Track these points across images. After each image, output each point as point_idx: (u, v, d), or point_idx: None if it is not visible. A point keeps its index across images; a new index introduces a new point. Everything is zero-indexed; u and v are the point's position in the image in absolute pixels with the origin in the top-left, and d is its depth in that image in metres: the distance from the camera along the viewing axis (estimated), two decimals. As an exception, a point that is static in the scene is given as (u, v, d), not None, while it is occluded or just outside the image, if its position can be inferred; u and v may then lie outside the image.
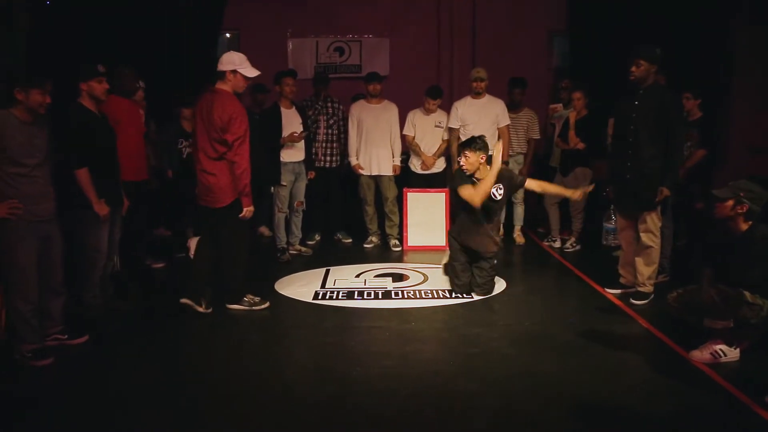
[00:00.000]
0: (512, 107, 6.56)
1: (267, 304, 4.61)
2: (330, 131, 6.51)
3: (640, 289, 4.73)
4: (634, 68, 4.56)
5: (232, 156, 4.20)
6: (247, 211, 4.36)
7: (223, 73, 4.25)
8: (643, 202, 4.61)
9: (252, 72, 4.30)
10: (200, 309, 4.43)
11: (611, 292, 4.95)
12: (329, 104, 6.53)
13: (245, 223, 4.48)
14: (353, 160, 6.46)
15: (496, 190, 4.84)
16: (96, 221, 4.16)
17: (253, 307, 4.56)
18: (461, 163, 4.87)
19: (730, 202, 3.60)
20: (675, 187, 4.64)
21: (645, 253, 4.68)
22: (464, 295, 4.88)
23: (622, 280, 4.96)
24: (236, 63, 4.24)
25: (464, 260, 4.97)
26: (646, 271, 4.70)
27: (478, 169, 4.81)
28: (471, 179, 4.83)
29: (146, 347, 3.93)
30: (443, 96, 6.51)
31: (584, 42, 7.69)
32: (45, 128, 3.67)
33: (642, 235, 4.67)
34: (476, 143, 4.83)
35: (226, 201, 4.29)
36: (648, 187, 4.57)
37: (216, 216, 4.37)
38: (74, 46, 6.31)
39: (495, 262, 5.02)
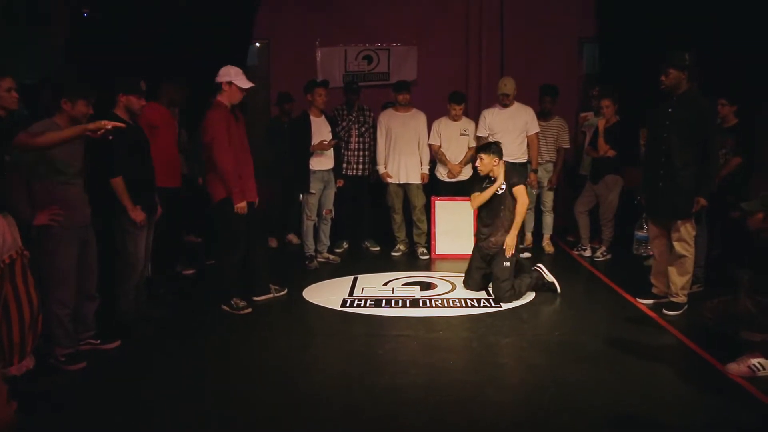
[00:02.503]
0: (542, 116, 6.51)
1: (249, 310, 4.71)
2: (362, 139, 6.54)
3: (673, 299, 4.64)
4: (663, 77, 4.50)
5: (213, 158, 4.49)
6: (238, 207, 4.56)
7: (220, 84, 4.58)
8: (676, 211, 4.53)
9: (246, 84, 4.59)
10: (280, 294, 5.07)
11: (643, 302, 4.87)
12: (362, 113, 6.57)
13: (236, 225, 4.65)
14: (381, 169, 6.48)
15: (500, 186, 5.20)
16: (134, 227, 4.22)
17: (234, 311, 4.67)
18: (477, 166, 5.26)
19: (760, 215, 3.51)
20: (711, 196, 4.54)
21: (678, 262, 4.59)
22: (470, 290, 5.27)
23: (654, 290, 4.87)
24: (232, 75, 4.56)
25: (477, 263, 5.26)
26: (679, 281, 4.61)
27: (492, 170, 5.15)
28: (488, 181, 5.24)
29: (176, 353, 3.98)
30: (467, 101, 6.48)
31: (614, 49, 7.60)
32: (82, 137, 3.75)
33: (675, 244, 4.58)
34: (491, 148, 5.20)
35: (216, 198, 4.63)
36: (681, 196, 4.49)
37: (214, 216, 4.73)
38: (109, 57, 6.47)
39: (507, 264, 5.02)
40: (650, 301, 4.85)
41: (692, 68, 4.49)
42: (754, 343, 3.50)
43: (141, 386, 3.49)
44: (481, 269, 5.27)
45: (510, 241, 5.03)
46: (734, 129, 5.32)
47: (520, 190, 5.11)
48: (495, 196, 5.16)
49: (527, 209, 6.05)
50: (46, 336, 3.58)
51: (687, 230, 4.55)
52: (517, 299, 4.94)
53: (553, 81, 6.82)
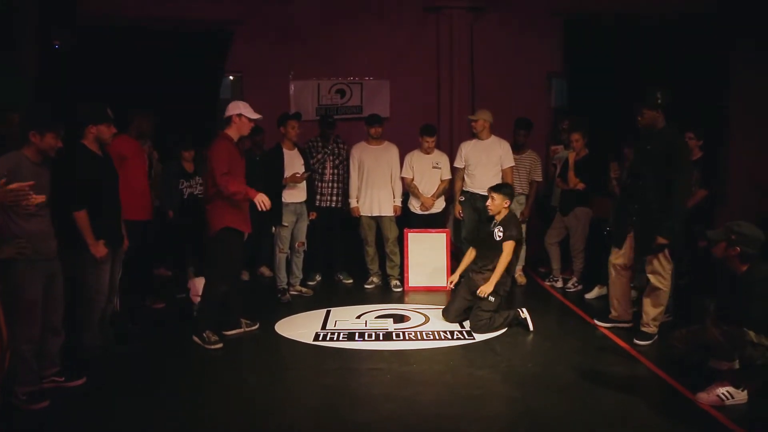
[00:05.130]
0: (516, 148, 6.59)
1: (220, 345, 4.61)
2: (336, 171, 6.54)
3: (644, 329, 4.70)
4: (639, 117, 4.61)
5: (220, 186, 4.49)
6: (258, 196, 4.54)
7: (230, 118, 4.70)
8: (645, 245, 4.61)
9: (255, 115, 4.74)
10: (252, 329, 5.02)
11: (601, 325, 5.00)
12: (337, 146, 6.59)
13: (228, 261, 4.70)
14: (353, 203, 6.48)
15: (497, 231, 5.15)
16: (96, 261, 4.15)
17: (205, 345, 4.60)
18: (487, 204, 5.25)
19: (723, 244, 3.61)
20: (672, 234, 4.49)
21: (654, 294, 4.67)
22: (447, 321, 5.23)
23: (611, 315, 5.02)
24: (241, 108, 4.71)
25: (464, 293, 5.22)
26: (652, 311, 4.67)
27: (500, 212, 5.19)
28: (494, 223, 5.22)
29: (144, 390, 3.87)
30: (439, 134, 6.55)
31: (582, 83, 7.80)
32: (49, 168, 3.71)
33: (650, 276, 4.66)
34: (504, 189, 5.26)
35: (213, 231, 4.65)
36: (649, 231, 4.56)
37: (208, 246, 4.75)
38: (79, 87, 6.44)
39: (491, 299, 5.01)
40: (609, 325, 5.00)
41: (666, 105, 4.56)
42: (722, 372, 3.55)
43: (107, 426, 3.38)
44: (465, 300, 5.20)
45: (486, 288, 4.99)
46: (699, 162, 5.45)
47: (508, 245, 5.09)
48: (493, 238, 5.17)
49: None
50: (8, 373, 3.47)
51: (660, 263, 4.61)
52: (490, 332, 4.93)
53: (523, 114, 6.94)
